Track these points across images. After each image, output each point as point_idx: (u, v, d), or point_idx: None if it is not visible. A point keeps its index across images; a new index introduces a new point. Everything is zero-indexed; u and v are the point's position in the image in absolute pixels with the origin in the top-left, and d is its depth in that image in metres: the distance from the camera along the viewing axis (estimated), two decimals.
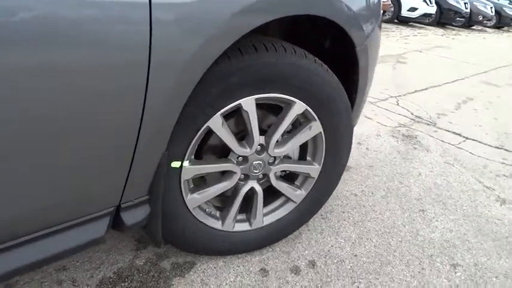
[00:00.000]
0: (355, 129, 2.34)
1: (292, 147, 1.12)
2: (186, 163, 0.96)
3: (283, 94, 1.01)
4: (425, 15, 10.11)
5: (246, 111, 0.97)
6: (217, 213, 1.14)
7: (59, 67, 0.57)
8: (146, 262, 1.14)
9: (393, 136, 2.43)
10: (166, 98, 0.72)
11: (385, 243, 1.40)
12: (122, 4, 0.61)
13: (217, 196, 1.10)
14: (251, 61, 0.92)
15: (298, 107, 1.05)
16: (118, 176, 0.75)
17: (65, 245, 0.72)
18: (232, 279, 1.13)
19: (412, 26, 10.37)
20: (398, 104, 3.13)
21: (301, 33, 1.30)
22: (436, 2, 10.64)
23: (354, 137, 2.27)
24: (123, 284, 1.05)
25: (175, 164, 0.94)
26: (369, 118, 2.68)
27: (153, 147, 0.78)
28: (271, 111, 1.10)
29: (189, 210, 1.04)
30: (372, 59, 1.28)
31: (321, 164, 1.20)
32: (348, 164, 1.95)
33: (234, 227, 1.15)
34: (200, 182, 1.11)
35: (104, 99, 0.64)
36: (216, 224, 1.12)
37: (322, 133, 1.14)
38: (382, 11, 1.36)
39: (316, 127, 1.11)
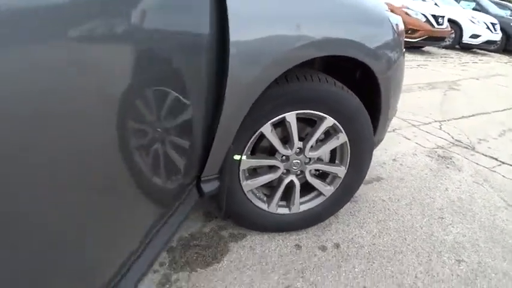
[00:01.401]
0: (392, 147, 2.63)
1: (323, 151, 1.49)
2: (244, 157, 1.36)
3: (317, 111, 1.38)
4: (489, 42, 9.93)
5: (289, 122, 1.35)
6: (265, 198, 1.53)
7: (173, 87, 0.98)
8: (211, 230, 1.55)
9: (429, 156, 2.68)
10: (236, 107, 1.13)
11: (401, 238, 1.69)
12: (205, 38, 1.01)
13: (265, 186, 1.49)
14: (294, 87, 1.31)
15: (329, 121, 1.41)
16: (203, 157, 1.17)
17: (187, 207, 1.14)
18: (273, 248, 1.50)
19: (474, 52, 10.21)
20: (440, 128, 3.34)
21: (339, 65, 1.67)
22: (501, 29, 10.42)
23: (390, 155, 2.57)
24: (194, 242, 1.47)
25: (237, 157, 1.34)
26: (408, 139, 2.94)
27: (224, 141, 1.19)
28: (308, 123, 1.47)
29: (244, 192, 1.44)
30: (395, 84, 1.60)
31: (347, 167, 1.54)
32: (381, 175, 2.25)
33: (277, 210, 1.53)
34: (253, 172, 1.50)
35: (198, 108, 1.06)
36: (263, 206, 1.51)
37: (347, 142, 1.49)
38: (403, 43, 1.67)
39: (342, 137, 1.47)
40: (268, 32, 1.12)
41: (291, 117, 1.35)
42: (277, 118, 1.33)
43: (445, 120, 3.59)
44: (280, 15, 1.15)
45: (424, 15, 7.96)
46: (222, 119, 1.13)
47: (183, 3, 0.90)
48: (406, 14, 7.70)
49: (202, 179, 1.23)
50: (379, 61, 1.46)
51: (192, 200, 1.17)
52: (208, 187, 1.25)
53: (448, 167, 2.53)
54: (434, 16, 8.10)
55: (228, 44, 1.03)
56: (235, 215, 1.50)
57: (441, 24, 8.29)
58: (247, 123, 1.26)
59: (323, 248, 1.55)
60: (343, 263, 1.49)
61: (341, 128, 1.45)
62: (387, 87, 1.55)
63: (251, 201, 1.47)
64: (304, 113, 1.37)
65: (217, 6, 1.00)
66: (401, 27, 1.62)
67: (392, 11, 1.66)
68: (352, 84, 1.51)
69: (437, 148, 2.86)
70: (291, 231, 1.61)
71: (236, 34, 1.04)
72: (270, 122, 1.33)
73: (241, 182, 1.41)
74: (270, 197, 1.52)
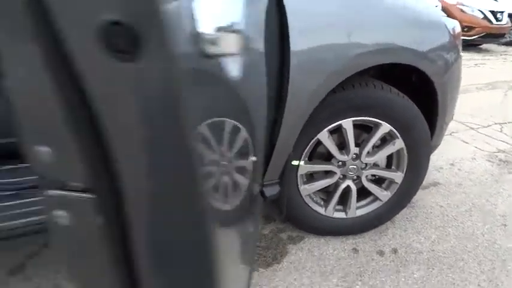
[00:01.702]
0: (449, 152, 2.56)
1: (379, 157, 1.51)
2: (302, 162, 1.42)
3: (373, 118, 1.41)
4: None
5: (345, 129, 1.39)
6: (322, 202, 1.57)
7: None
8: (270, 232, 1.62)
9: (489, 161, 2.57)
10: (296, 116, 1.19)
11: (461, 245, 1.66)
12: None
13: (322, 190, 1.54)
14: (350, 94, 1.35)
15: (385, 127, 1.43)
16: (264, 163, 1.24)
17: (258, 211, 1.22)
18: (331, 252, 1.54)
19: None
20: (501, 131, 3.19)
21: (393, 71, 1.68)
22: None
23: (447, 159, 2.51)
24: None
25: (295, 162, 1.40)
26: (466, 143, 2.85)
27: (284, 148, 1.25)
28: (364, 129, 1.50)
29: (302, 196, 1.49)
30: (451, 88, 1.59)
31: (404, 172, 1.55)
32: (438, 180, 2.21)
33: (333, 213, 1.57)
34: (310, 177, 1.55)
35: (260, 119, 1.13)
36: (321, 210, 1.55)
37: (404, 148, 1.50)
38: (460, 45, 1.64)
39: (399, 143, 1.48)
40: (328, 41, 1.17)
41: (347, 124, 1.39)
42: (333, 125, 1.38)
43: (505, 123, 3.42)
44: (340, 24, 1.19)
45: (481, 11, 7.58)
46: (283, 128, 1.19)
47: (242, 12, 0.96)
48: (462, 11, 7.38)
49: (264, 183, 1.30)
50: (436, 66, 1.46)
51: (259, 204, 1.25)
52: (269, 191, 1.32)
53: (510, 172, 2.42)
54: (492, 12, 7.69)
55: (288, 55, 1.09)
56: (293, 218, 1.56)
57: (500, 20, 7.85)
58: (305, 131, 1.31)
59: (380, 253, 1.57)
60: (402, 268, 1.50)
61: (397, 134, 1.46)
62: (444, 91, 1.54)
63: (308, 205, 1.53)
64: (360, 119, 1.40)
65: (277, 16, 1.06)
66: (458, 30, 1.60)
67: (446, 8, 1.65)
68: (408, 89, 1.52)
69: (498, 152, 2.74)
70: (347, 235, 1.64)
71: (297, 44, 1.10)
72: (326, 128, 1.38)
73: (299, 186, 1.47)
74: (326, 201, 1.57)
